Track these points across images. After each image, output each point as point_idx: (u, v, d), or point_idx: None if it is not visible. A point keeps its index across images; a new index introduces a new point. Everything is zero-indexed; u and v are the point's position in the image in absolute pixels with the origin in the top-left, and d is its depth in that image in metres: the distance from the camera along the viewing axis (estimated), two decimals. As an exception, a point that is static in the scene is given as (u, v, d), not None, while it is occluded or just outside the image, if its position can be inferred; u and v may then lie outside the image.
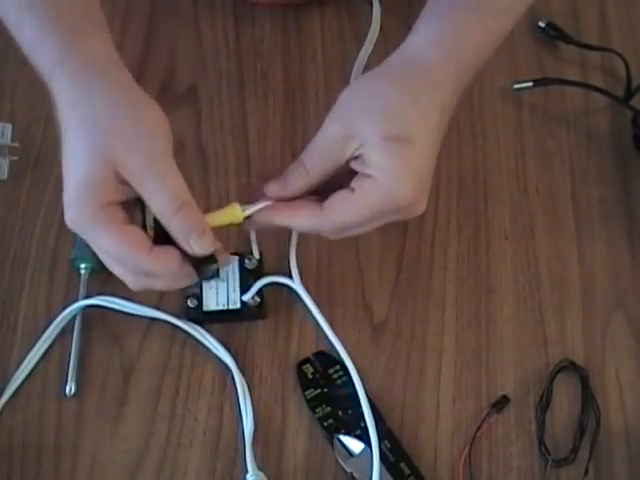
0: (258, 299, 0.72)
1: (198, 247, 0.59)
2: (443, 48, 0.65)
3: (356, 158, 0.62)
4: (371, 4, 0.88)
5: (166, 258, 0.60)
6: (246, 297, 0.72)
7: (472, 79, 0.66)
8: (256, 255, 0.72)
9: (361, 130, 0.61)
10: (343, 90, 0.64)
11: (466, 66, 0.65)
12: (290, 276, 0.71)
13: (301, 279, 0.71)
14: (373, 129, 0.61)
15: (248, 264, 0.73)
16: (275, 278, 0.71)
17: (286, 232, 0.72)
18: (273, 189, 0.63)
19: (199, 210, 0.60)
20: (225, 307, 0.72)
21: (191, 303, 0.72)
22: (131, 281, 0.62)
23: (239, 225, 0.64)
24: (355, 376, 0.68)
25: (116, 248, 0.59)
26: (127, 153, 0.58)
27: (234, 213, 0.63)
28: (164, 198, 0.59)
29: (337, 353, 0.70)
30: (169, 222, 0.59)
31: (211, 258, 0.60)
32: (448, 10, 0.66)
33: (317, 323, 0.71)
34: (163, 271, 0.60)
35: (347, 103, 0.63)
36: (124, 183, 0.59)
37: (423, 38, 0.66)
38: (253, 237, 0.70)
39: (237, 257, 0.72)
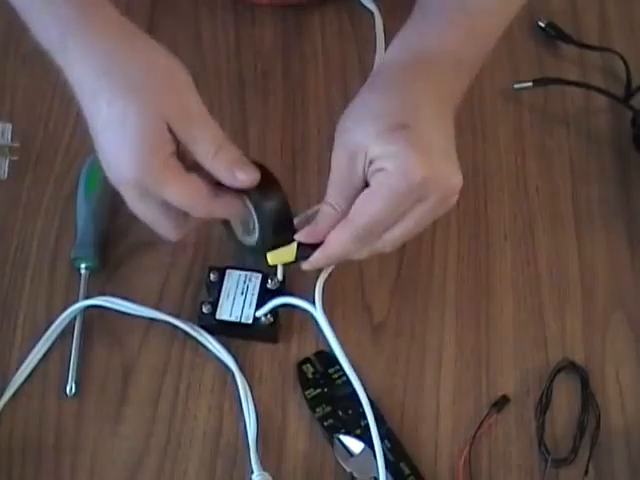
0: (271, 318, 0.71)
1: (245, 175, 0.63)
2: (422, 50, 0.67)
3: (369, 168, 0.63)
4: (370, 12, 0.88)
5: (230, 201, 0.65)
6: (259, 312, 0.71)
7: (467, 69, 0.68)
8: (279, 277, 0.72)
9: (359, 142, 0.62)
10: (340, 118, 0.66)
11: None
12: (312, 301, 0.69)
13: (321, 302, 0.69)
14: (366, 133, 0.62)
15: (270, 284, 0.72)
16: (296, 301, 0.70)
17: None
18: (308, 236, 0.65)
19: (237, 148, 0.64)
20: (238, 319, 0.72)
21: (205, 309, 0.72)
22: (176, 232, 0.66)
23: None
24: (357, 383, 0.68)
25: (185, 195, 0.62)
26: (171, 106, 0.61)
27: (291, 252, 0.66)
28: (205, 141, 0.62)
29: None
30: (212, 163, 0.62)
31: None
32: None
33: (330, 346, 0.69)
34: (225, 211, 0.66)
35: (344, 129, 0.64)
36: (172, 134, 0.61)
37: (402, 45, 0.69)
38: None
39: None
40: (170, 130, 0.61)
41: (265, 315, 0.72)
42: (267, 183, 0.65)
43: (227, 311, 0.72)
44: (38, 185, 0.79)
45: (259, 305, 0.72)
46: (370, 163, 0.62)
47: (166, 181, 0.61)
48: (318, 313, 0.68)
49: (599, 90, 0.84)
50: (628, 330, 0.75)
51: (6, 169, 0.79)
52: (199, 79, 0.84)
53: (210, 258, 0.76)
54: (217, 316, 0.72)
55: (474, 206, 0.80)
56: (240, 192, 0.65)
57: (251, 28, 0.88)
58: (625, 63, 0.85)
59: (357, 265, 0.76)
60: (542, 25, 0.88)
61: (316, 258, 0.66)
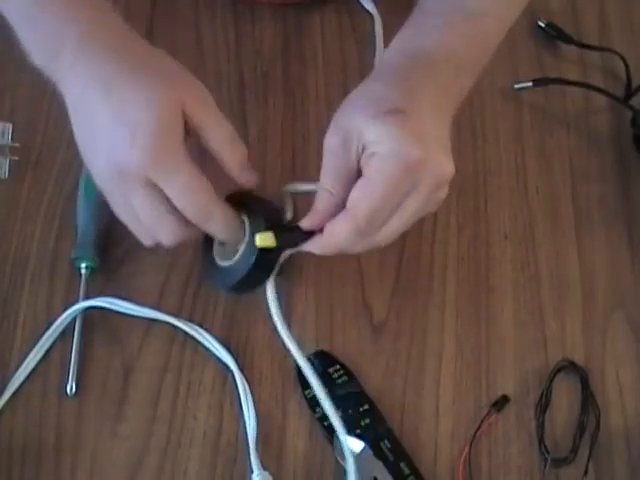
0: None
1: (249, 177, 0.64)
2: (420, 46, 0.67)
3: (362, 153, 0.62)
4: (370, 14, 0.88)
5: (229, 211, 0.64)
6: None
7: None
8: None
9: (353, 126, 0.62)
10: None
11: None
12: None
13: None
14: (361, 116, 0.62)
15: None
16: None
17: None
18: (307, 223, 0.64)
19: None
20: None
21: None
22: (179, 232, 0.63)
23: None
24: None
25: (193, 188, 0.61)
26: (187, 88, 0.61)
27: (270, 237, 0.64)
28: (225, 127, 0.62)
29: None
30: (227, 150, 0.62)
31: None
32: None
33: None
34: (223, 222, 0.63)
35: (340, 114, 0.64)
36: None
37: (400, 43, 0.69)
38: None
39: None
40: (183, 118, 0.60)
41: None
42: (271, 209, 0.65)
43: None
44: (38, 185, 0.79)
45: None
46: (364, 148, 0.61)
47: (178, 168, 0.60)
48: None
49: (599, 90, 0.84)
50: (628, 330, 0.75)
51: (6, 169, 0.79)
52: (199, 79, 0.85)
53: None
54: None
55: (474, 206, 0.80)
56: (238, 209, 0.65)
57: (251, 28, 0.89)
58: (625, 63, 0.85)
59: (357, 265, 0.76)
60: (542, 25, 0.88)
61: (316, 246, 0.65)
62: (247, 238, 0.65)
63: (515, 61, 0.87)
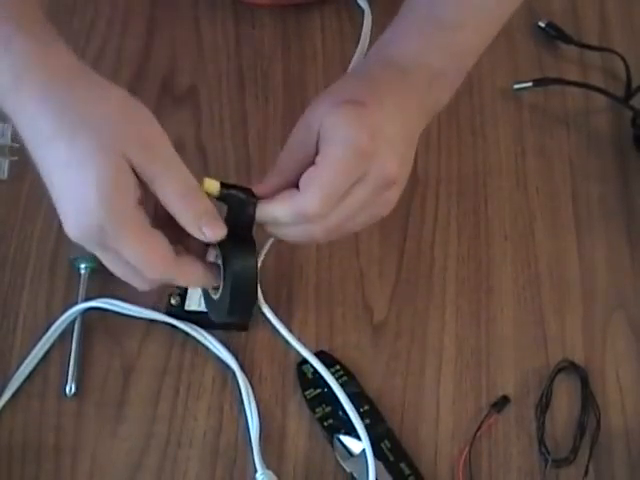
0: None
1: (211, 231, 0.58)
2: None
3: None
4: (362, 10, 0.89)
5: (191, 269, 0.61)
6: None
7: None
8: None
9: (316, 113, 0.62)
10: None
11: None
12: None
13: (265, 294, 0.70)
14: (324, 105, 0.62)
15: None
16: None
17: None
18: (260, 190, 0.62)
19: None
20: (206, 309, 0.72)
21: (174, 301, 0.73)
22: (141, 285, 0.61)
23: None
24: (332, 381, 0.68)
25: (142, 254, 0.58)
26: (128, 137, 0.56)
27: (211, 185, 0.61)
28: (171, 180, 0.57)
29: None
30: (179, 207, 0.57)
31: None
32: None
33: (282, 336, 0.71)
34: (186, 281, 0.62)
35: (307, 109, 0.64)
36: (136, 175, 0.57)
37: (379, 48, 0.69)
38: None
39: None
40: (133, 169, 0.56)
41: None
42: (240, 240, 0.61)
43: (195, 301, 0.72)
44: (38, 185, 0.78)
45: None
46: (320, 134, 0.61)
47: (125, 234, 0.56)
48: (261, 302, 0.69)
49: (599, 90, 0.84)
50: (628, 330, 0.75)
51: (6, 169, 0.79)
52: (199, 79, 0.85)
53: (210, 258, 0.76)
54: (186, 307, 0.72)
55: (474, 206, 0.80)
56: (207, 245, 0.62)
57: (251, 28, 0.89)
58: (625, 63, 0.85)
59: (357, 265, 0.76)
60: (542, 25, 0.88)
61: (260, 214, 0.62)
62: (222, 269, 0.62)
63: (515, 61, 0.87)
